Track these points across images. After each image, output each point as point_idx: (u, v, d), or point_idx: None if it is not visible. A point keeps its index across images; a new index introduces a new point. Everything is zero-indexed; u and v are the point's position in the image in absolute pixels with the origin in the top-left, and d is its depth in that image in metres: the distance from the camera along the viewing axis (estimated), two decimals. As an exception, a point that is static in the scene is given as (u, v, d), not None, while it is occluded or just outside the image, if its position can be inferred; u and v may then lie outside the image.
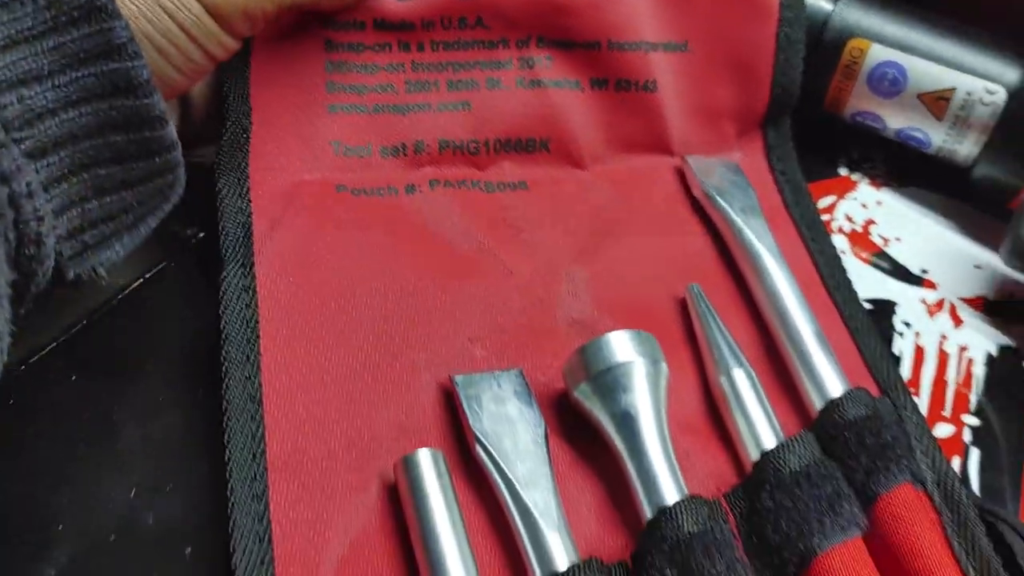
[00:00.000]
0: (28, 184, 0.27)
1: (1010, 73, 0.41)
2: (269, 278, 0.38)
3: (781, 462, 0.33)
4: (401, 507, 0.32)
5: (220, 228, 0.39)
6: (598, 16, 0.43)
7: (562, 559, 0.30)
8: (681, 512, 0.31)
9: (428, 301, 0.38)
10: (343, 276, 0.38)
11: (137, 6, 0.31)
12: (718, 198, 0.42)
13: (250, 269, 0.38)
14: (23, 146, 0.27)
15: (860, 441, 0.33)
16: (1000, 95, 0.41)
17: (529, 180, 0.43)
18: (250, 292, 0.37)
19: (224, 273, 0.37)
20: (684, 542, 0.30)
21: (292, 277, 0.38)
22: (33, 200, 0.27)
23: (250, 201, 0.39)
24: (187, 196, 0.35)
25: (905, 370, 0.40)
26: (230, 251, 0.38)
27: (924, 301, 0.42)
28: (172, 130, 0.31)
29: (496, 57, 0.43)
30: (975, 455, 0.38)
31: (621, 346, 0.34)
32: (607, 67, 0.43)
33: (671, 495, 0.32)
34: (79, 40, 0.28)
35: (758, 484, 0.33)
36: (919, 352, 0.40)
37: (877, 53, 0.43)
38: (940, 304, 0.42)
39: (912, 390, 0.38)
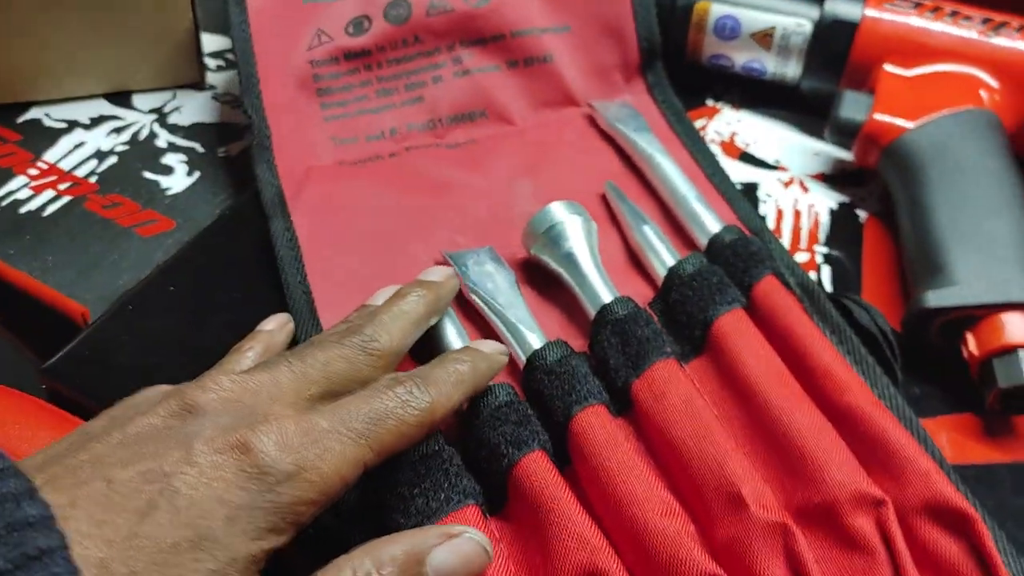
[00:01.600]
0: None
1: (812, 11, 0.58)
2: (302, 221, 0.52)
3: (680, 270, 0.47)
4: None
5: (261, 197, 0.53)
6: (499, 17, 0.59)
7: (536, 343, 0.44)
8: (615, 304, 0.45)
9: (419, 214, 0.52)
10: (353, 210, 0.53)
11: None
12: (618, 125, 0.57)
13: (288, 218, 0.52)
14: None
15: (735, 253, 0.48)
16: (807, 27, 0.58)
17: (477, 138, 0.58)
18: (290, 231, 0.51)
19: (271, 223, 0.51)
20: (619, 320, 0.44)
21: (317, 217, 0.52)
22: None
23: (279, 178, 0.54)
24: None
25: (770, 224, 0.55)
26: (271, 209, 0.52)
27: (779, 180, 0.58)
28: None
29: (434, 61, 0.59)
30: (826, 271, 0.53)
31: (559, 211, 0.48)
32: (514, 51, 0.59)
33: (607, 297, 0.46)
34: None
35: (667, 288, 0.47)
36: (779, 212, 0.56)
37: (717, 10, 0.59)
38: (791, 181, 0.58)
39: (776, 235, 0.53)
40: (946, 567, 0.38)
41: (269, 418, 0.33)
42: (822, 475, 0.39)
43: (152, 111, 0.62)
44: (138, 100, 0.63)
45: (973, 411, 0.46)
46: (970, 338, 0.46)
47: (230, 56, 0.66)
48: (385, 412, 0.35)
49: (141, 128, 0.61)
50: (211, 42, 0.66)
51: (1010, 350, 0.44)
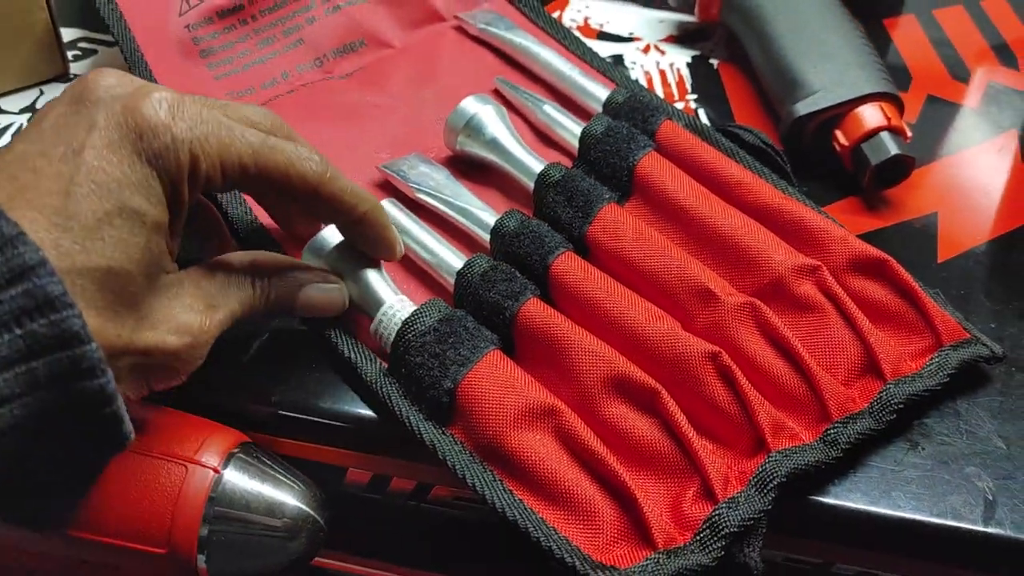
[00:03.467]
0: None
1: None
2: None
3: (592, 131, 0.52)
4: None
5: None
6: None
7: (491, 219, 0.48)
8: (550, 169, 0.50)
9: (336, 141, 0.55)
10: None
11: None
12: (489, 28, 0.61)
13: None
14: None
15: (632, 108, 0.54)
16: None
17: (363, 65, 0.61)
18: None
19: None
20: (559, 180, 0.49)
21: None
22: None
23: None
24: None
25: (644, 84, 0.61)
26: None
27: (638, 49, 0.64)
28: (128, 426, 0.34)
29: (304, 3, 0.61)
30: (702, 113, 0.60)
31: (472, 104, 0.53)
32: (378, -19, 0.62)
33: (539, 167, 0.51)
34: (50, 364, 0.30)
35: (584, 149, 0.52)
36: (647, 75, 0.62)
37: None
38: (648, 47, 0.64)
39: (653, 92, 0.60)
40: (879, 307, 0.46)
41: (162, 89, 0.37)
42: (764, 260, 0.46)
43: (24, 110, 0.61)
44: (6, 102, 0.61)
45: (852, 195, 0.55)
46: (839, 134, 0.54)
47: (85, 45, 0.65)
48: (281, 145, 0.39)
49: (19, 128, 0.59)
50: (68, 34, 0.65)
51: (873, 133, 0.53)
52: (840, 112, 0.54)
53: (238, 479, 0.39)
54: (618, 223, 0.47)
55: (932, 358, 0.44)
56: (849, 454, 0.41)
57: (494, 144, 0.52)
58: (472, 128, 0.52)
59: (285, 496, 0.40)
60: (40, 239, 0.32)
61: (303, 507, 0.40)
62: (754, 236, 0.47)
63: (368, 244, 0.44)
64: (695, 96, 0.61)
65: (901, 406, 0.41)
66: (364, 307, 0.44)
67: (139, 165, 0.35)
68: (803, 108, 0.54)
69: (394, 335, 0.42)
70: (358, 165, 0.54)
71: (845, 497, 0.41)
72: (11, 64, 0.60)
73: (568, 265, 0.45)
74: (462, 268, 0.45)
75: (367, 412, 0.43)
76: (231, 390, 0.44)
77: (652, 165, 0.50)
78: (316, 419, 0.43)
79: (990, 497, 0.41)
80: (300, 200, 0.40)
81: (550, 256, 0.45)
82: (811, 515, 0.41)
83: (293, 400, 0.44)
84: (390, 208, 0.49)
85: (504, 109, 0.53)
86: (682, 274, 0.45)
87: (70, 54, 0.64)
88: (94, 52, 0.64)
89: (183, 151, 0.36)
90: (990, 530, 0.40)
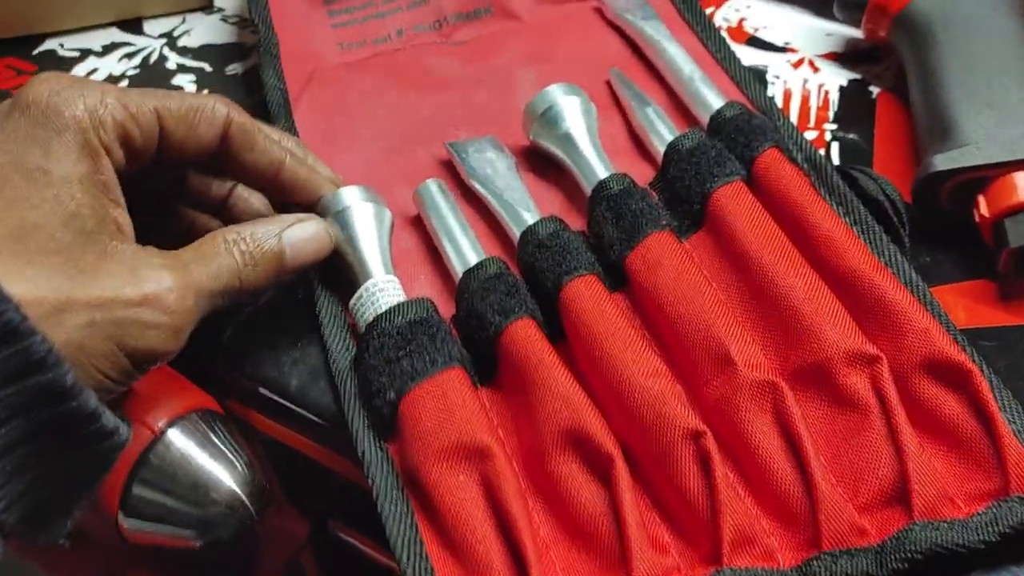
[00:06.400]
0: None
1: None
2: (304, 120, 0.52)
3: (679, 146, 0.46)
4: (422, 222, 0.46)
5: (267, 101, 0.53)
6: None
7: (531, 221, 0.44)
8: (610, 179, 0.44)
9: (420, 109, 0.52)
10: (355, 108, 0.53)
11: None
12: (626, 15, 0.56)
13: (290, 118, 0.52)
14: None
15: (737, 127, 0.47)
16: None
17: (482, 35, 0.58)
18: (292, 131, 0.51)
19: (274, 125, 0.51)
20: (614, 195, 0.44)
21: (319, 116, 0.52)
22: None
23: (284, 81, 0.54)
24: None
25: (778, 104, 0.53)
26: (276, 111, 0.52)
27: (788, 62, 0.56)
28: (107, 419, 0.32)
29: None
30: (835, 148, 0.51)
31: (557, 92, 0.48)
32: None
33: (603, 174, 0.45)
34: None
35: (666, 164, 0.46)
36: (787, 92, 0.54)
37: None
38: (801, 61, 0.56)
39: (785, 113, 0.52)
40: (946, 424, 0.37)
41: (44, 75, 0.36)
42: (816, 335, 0.38)
43: (162, 36, 0.62)
44: (148, 26, 0.63)
45: (986, 277, 0.45)
46: (982, 200, 0.44)
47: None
48: (181, 93, 0.39)
49: (151, 52, 0.61)
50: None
51: (1022, 209, 0.43)
52: (988, 175, 0.44)
53: (179, 444, 0.38)
54: (661, 256, 0.41)
55: (989, 506, 0.34)
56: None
57: (567, 140, 0.47)
58: (548, 119, 0.47)
59: (220, 474, 0.38)
60: None
61: (234, 489, 0.38)
62: (814, 304, 0.39)
63: (298, 196, 0.42)
64: (835, 126, 0.52)
65: (919, 556, 0.33)
66: (354, 279, 0.41)
67: (32, 130, 0.34)
68: (943, 163, 0.44)
69: (365, 321, 0.39)
70: (429, 137, 0.51)
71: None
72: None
73: (580, 291, 0.40)
74: (468, 269, 0.41)
75: (331, 404, 0.41)
76: (212, 354, 0.43)
77: (729, 196, 0.43)
78: (283, 401, 0.42)
79: None
80: (214, 145, 0.39)
81: (566, 276, 0.40)
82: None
83: (267, 376, 0.42)
84: (432, 187, 0.45)
85: (593, 106, 0.48)
86: (707, 331, 0.38)
87: (217, -13, 0.65)
88: (240, -15, 0.65)
89: (75, 104, 0.35)
90: None
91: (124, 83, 0.59)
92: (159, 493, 0.37)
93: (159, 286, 0.35)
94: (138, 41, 0.62)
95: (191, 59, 0.61)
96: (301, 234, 0.40)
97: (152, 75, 0.60)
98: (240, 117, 0.40)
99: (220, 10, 0.64)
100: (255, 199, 0.43)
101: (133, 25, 0.64)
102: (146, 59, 0.61)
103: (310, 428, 0.42)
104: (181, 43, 0.62)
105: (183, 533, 0.38)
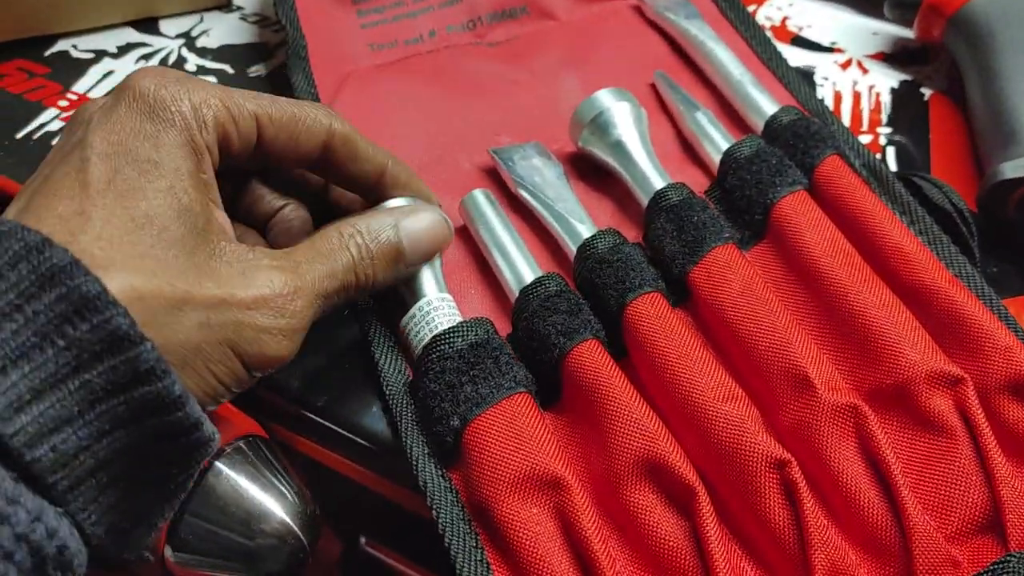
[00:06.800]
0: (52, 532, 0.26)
1: None
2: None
3: (736, 153, 0.44)
4: (470, 234, 0.44)
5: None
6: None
7: (587, 234, 0.42)
8: (669, 189, 0.42)
9: (459, 114, 0.50)
10: (390, 113, 0.51)
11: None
12: (667, 14, 0.54)
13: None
14: (60, 486, 0.27)
15: (795, 133, 0.45)
16: None
17: (519, 35, 0.56)
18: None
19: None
20: (674, 206, 0.42)
21: (354, 120, 0.50)
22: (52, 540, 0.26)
23: (316, 85, 0.52)
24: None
25: (829, 107, 0.52)
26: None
27: (836, 62, 0.54)
28: (207, 427, 0.30)
29: None
30: (891, 152, 0.50)
31: (606, 98, 0.46)
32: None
33: (660, 183, 0.43)
34: (105, 373, 0.27)
35: (723, 173, 0.44)
36: (837, 95, 0.52)
37: None
38: (848, 62, 0.54)
39: (837, 117, 0.50)
40: (1034, 446, 0.35)
41: (147, 67, 0.35)
42: (895, 355, 0.36)
43: (180, 36, 0.60)
44: (165, 26, 0.61)
45: (1056, 289, 0.43)
46: (1052, 210, 0.43)
47: (255, -26, 0.64)
48: (285, 99, 0.37)
49: (169, 54, 0.59)
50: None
51: (1097, 219, 0.41)
52: (1060, 184, 0.42)
53: (229, 475, 0.36)
54: (727, 270, 0.39)
55: (1085, 534, 0.33)
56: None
57: (618, 148, 0.45)
58: (598, 125, 0.45)
59: (272, 504, 0.36)
60: (60, 213, 0.30)
61: (287, 521, 0.36)
62: (892, 321, 0.37)
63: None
64: (889, 130, 0.51)
65: (1019, 588, 0.32)
66: (405, 297, 0.40)
67: (141, 123, 0.33)
68: (1011, 170, 0.43)
69: (420, 343, 0.37)
70: (470, 143, 0.49)
71: None
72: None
73: (647, 310, 0.38)
74: (526, 286, 0.39)
75: (385, 429, 0.39)
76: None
77: (794, 207, 0.42)
78: (332, 426, 0.40)
79: None
80: (316, 153, 0.38)
81: (630, 294, 0.38)
82: None
83: (315, 400, 0.40)
84: (479, 198, 0.43)
85: (643, 111, 0.46)
86: (782, 351, 0.36)
87: (237, -16, 0.63)
88: (261, -16, 0.63)
89: (181, 100, 0.34)
90: None
91: (143, 86, 0.57)
92: (209, 526, 0.35)
93: (271, 288, 0.33)
94: (155, 42, 0.60)
95: (211, 60, 0.59)
96: (418, 224, 0.38)
97: (171, 77, 0.58)
98: (342, 128, 0.39)
99: (239, 8, 0.62)
100: (297, 222, 0.41)
101: (149, 25, 0.61)
102: (164, 60, 0.59)
103: (357, 452, 0.40)
104: (200, 43, 0.60)
105: (232, 567, 0.36)
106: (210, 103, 0.35)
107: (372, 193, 0.41)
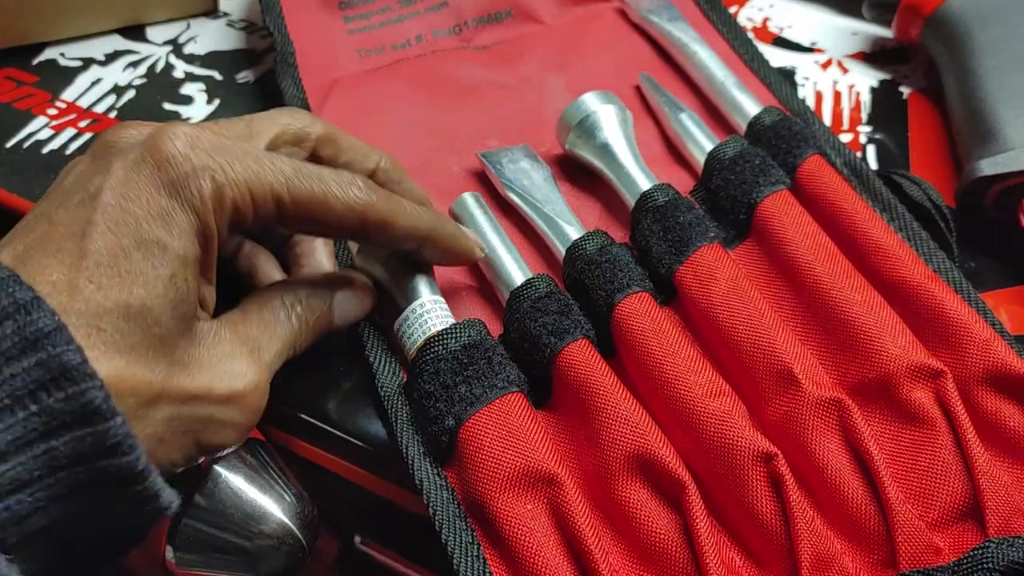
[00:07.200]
0: None
1: None
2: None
3: (720, 154, 0.45)
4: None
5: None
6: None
7: (575, 235, 0.43)
8: (655, 191, 0.43)
9: (447, 118, 0.51)
10: (380, 117, 0.51)
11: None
12: (651, 17, 0.55)
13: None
14: (8, 540, 0.27)
15: (777, 134, 0.46)
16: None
17: (504, 39, 0.56)
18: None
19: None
20: (660, 206, 0.43)
21: (343, 125, 0.50)
22: None
23: (304, 91, 0.52)
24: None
25: (810, 106, 0.53)
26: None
27: (816, 62, 0.55)
28: (167, 495, 0.30)
29: None
30: (871, 151, 0.51)
31: (592, 101, 0.47)
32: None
33: (646, 185, 0.44)
34: (72, 443, 0.27)
35: (707, 173, 0.45)
36: (818, 95, 0.54)
37: None
38: (829, 62, 0.55)
39: (818, 116, 0.51)
40: (1011, 437, 0.36)
41: (181, 125, 0.34)
42: (876, 349, 0.37)
43: (167, 43, 0.61)
44: (152, 33, 0.61)
45: (1033, 282, 0.44)
46: (1028, 205, 0.44)
47: (242, -20, 0.64)
48: (317, 172, 0.35)
49: (157, 60, 0.60)
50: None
51: (1071, 213, 0.42)
52: (1035, 180, 0.43)
53: (228, 479, 0.37)
54: (713, 269, 0.40)
55: (1062, 519, 0.34)
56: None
57: (604, 150, 0.46)
58: (585, 128, 0.46)
59: (270, 506, 0.37)
60: (53, 281, 0.30)
61: (286, 522, 0.37)
62: (873, 317, 0.38)
63: (441, 260, 0.40)
64: (869, 128, 0.52)
65: (997, 574, 0.33)
66: (398, 299, 0.40)
67: (158, 197, 0.32)
68: (989, 167, 0.44)
69: (414, 345, 0.38)
70: (459, 148, 0.49)
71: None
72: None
73: (635, 309, 0.39)
74: (517, 288, 0.40)
75: (380, 430, 0.39)
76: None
77: (777, 206, 0.43)
78: (328, 428, 0.40)
79: None
80: (348, 233, 0.37)
81: (619, 294, 0.39)
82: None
83: (310, 403, 0.41)
84: (469, 201, 0.44)
85: (629, 114, 0.47)
86: (767, 347, 0.37)
87: (223, -11, 0.63)
88: (247, -11, 0.63)
89: (204, 179, 0.32)
90: None
91: (131, 93, 0.57)
92: (209, 527, 0.36)
93: (245, 383, 0.34)
94: (142, 49, 0.60)
95: (199, 67, 0.59)
96: (348, 299, 0.39)
97: (159, 84, 0.58)
98: (380, 211, 0.36)
99: (226, 15, 0.63)
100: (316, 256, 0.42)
101: (136, 32, 0.62)
102: (152, 67, 0.59)
103: (353, 453, 0.41)
104: (187, 50, 0.60)
105: (232, 567, 0.37)
106: (235, 182, 0.33)
107: (415, 251, 0.40)
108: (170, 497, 0.30)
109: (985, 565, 0.33)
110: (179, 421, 0.32)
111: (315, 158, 0.39)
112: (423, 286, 0.40)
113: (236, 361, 0.34)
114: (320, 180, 0.35)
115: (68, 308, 0.29)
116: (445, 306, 0.40)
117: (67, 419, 0.27)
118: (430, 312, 0.39)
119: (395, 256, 0.40)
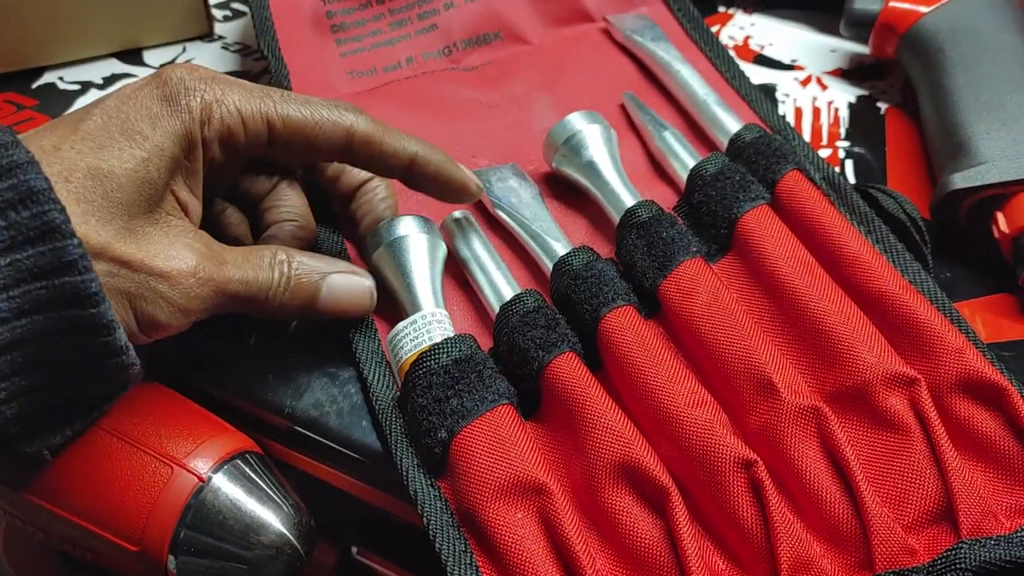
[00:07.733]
0: None
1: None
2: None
3: (702, 171, 0.47)
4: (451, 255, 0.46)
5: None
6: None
7: (562, 251, 0.44)
8: (639, 207, 0.45)
9: (437, 138, 0.51)
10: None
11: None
12: (635, 37, 0.56)
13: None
14: None
15: (757, 151, 0.47)
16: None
17: (493, 60, 0.58)
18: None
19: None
20: (644, 222, 0.44)
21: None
22: None
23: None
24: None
25: (790, 122, 0.54)
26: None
27: (796, 79, 0.57)
28: (121, 335, 0.34)
29: None
30: (849, 165, 0.52)
31: (578, 120, 0.48)
32: (526, -30, 0.59)
33: (630, 202, 0.46)
34: (34, 256, 0.31)
35: (690, 189, 0.47)
36: (798, 111, 0.55)
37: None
38: (808, 79, 0.57)
39: (798, 132, 0.53)
40: (982, 442, 0.38)
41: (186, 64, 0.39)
42: (852, 358, 0.39)
43: (164, 66, 0.62)
44: (149, 56, 0.63)
45: (1007, 291, 0.46)
46: (1000, 217, 0.45)
47: (236, 5, 0.65)
48: (305, 98, 0.40)
49: (157, 81, 0.61)
50: (218, -6, 0.66)
51: (1041, 225, 0.44)
52: (1006, 192, 0.45)
53: (225, 490, 0.38)
54: (695, 283, 0.42)
55: (1031, 520, 0.36)
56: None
57: (590, 168, 0.47)
58: (570, 147, 0.48)
59: (268, 517, 0.38)
60: (42, 145, 0.34)
61: (284, 532, 0.38)
62: (850, 327, 0.40)
63: (435, 190, 0.43)
64: (847, 143, 0.53)
65: (970, 574, 0.34)
66: (401, 309, 0.42)
67: (151, 104, 0.37)
68: (961, 180, 0.45)
69: (408, 357, 0.39)
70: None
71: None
72: (157, 18, 0.61)
73: (620, 322, 0.40)
74: (506, 303, 0.41)
75: (375, 443, 0.41)
76: (249, 393, 0.43)
77: (757, 221, 0.44)
78: (325, 440, 0.41)
79: None
80: (336, 152, 0.41)
81: (604, 308, 0.40)
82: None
83: (307, 416, 0.42)
84: (459, 218, 0.46)
85: (613, 132, 0.49)
86: (748, 358, 0.39)
87: (219, 14, 0.65)
88: (243, 15, 0.65)
89: (195, 97, 0.37)
90: None
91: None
92: (208, 539, 0.37)
93: (184, 265, 0.36)
94: (140, 72, 0.62)
95: (195, 89, 0.60)
96: (344, 283, 0.41)
97: (157, 107, 0.59)
98: (364, 128, 0.40)
99: (221, 38, 0.64)
100: (287, 228, 0.43)
101: (133, 56, 0.63)
102: (150, 90, 0.60)
103: (349, 465, 0.42)
104: (184, 73, 0.62)
105: (233, 577, 0.38)
106: (223, 102, 0.38)
107: (407, 178, 0.43)
108: (123, 340, 0.34)
109: (958, 565, 0.34)
110: (114, 279, 0.34)
111: (350, 152, 0.42)
112: (429, 298, 0.41)
113: (183, 250, 0.36)
114: (308, 103, 0.40)
115: (47, 163, 0.33)
116: (448, 320, 0.41)
117: (31, 235, 0.31)
118: (432, 324, 0.40)
119: (405, 266, 0.42)
